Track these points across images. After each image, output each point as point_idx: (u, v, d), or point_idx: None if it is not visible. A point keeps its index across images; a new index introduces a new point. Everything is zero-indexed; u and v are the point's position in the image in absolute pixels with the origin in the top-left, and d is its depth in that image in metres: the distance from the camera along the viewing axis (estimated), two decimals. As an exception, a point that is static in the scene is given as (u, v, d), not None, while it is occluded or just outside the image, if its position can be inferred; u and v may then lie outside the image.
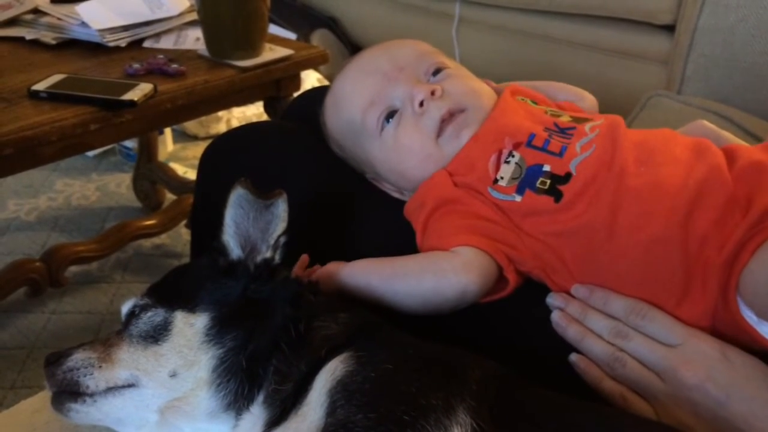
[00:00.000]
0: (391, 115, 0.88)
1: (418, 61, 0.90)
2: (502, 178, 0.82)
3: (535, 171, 0.80)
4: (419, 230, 0.85)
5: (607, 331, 0.76)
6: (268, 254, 0.77)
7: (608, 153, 0.80)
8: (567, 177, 0.79)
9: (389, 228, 0.90)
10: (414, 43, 0.95)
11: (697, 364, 0.71)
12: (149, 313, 0.75)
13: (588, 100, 0.98)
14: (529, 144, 0.83)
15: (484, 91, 0.90)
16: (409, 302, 0.81)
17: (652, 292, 0.75)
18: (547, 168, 0.80)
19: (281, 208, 0.76)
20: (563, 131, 0.84)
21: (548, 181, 0.79)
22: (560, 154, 0.81)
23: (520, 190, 0.80)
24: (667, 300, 0.75)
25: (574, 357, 0.78)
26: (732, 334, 0.73)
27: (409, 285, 0.81)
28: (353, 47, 2.57)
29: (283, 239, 0.77)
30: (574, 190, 0.78)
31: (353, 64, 0.94)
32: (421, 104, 0.86)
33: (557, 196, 0.78)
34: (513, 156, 0.82)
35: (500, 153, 0.83)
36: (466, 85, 0.89)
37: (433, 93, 0.86)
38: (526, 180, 0.80)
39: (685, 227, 0.74)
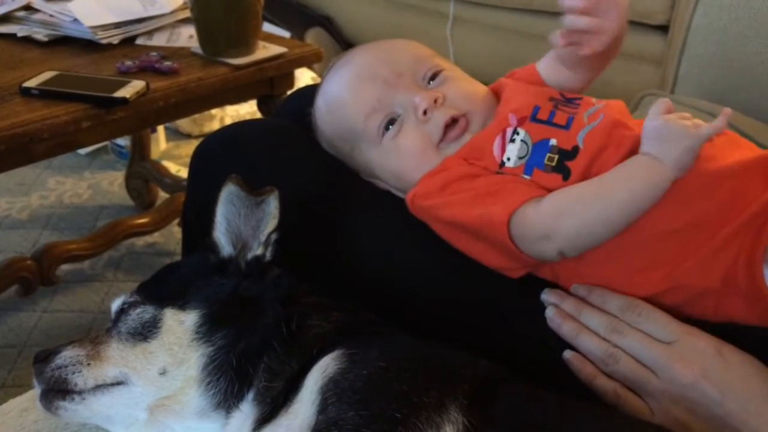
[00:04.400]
0: (392, 122, 0.88)
1: (416, 65, 0.90)
2: (509, 159, 0.81)
3: (541, 147, 0.79)
4: (444, 208, 0.81)
5: (603, 327, 0.76)
6: (260, 251, 0.77)
7: (616, 122, 0.79)
8: (575, 151, 0.78)
9: (384, 225, 0.90)
10: (407, 44, 0.94)
11: (692, 361, 0.71)
12: (138, 310, 0.74)
13: None
14: (534, 118, 0.82)
15: (481, 92, 0.90)
16: (627, 207, 0.74)
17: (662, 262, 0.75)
18: (553, 142, 0.79)
19: (272, 205, 0.76)
20: (569, 101, 0.84)
21: (556, 157, 0.78)
22: (567, 126, 0.80)
23: (528, 170, 0.79)
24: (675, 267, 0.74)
25: (568, 354, 0.78)
26: (742, 300, 0.73)
27: (622, 196, 0.73)
28: (347, 46, 2.56)
29: (274, 236, 0.77)
30: (582, 166, 0.77)
31: (348, 69, 0.93)
32: (425, 112, 0.86)
33: (565, 173, 0.78)
34: (518, 133, 0.81)
35: (504, 132, 0.82)
36: (464, 89, 0.89)
37: (435, 101, 0.86)
38: (533, 158, 0.79)
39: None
